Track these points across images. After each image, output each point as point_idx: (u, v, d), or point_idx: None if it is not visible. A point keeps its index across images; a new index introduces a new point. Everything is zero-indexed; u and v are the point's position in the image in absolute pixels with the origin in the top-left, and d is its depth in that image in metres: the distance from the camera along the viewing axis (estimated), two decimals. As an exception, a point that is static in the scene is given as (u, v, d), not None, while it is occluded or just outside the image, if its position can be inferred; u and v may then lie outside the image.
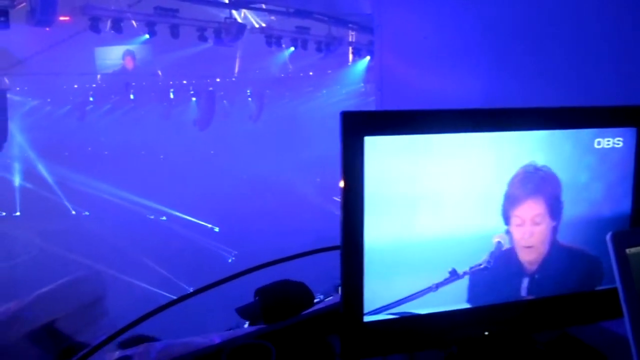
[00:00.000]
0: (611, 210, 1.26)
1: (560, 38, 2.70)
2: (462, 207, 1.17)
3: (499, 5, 3.10)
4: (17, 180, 13.87)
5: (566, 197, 1.22)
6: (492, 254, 1.20)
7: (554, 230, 1.23)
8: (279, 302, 2.27)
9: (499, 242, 1.21)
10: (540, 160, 1.19)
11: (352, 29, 11.88)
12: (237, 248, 13.02)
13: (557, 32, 2.72)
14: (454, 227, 1.17)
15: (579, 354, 1.35)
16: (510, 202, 1.18)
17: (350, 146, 1.08)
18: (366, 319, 1.14)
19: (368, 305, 1.14)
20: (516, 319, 1.25)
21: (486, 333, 1.24)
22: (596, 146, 1.25)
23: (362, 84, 14.77)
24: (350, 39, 12.24)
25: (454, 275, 1.19)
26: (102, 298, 1.22)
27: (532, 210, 1.20)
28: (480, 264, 1.20)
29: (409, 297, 1.17)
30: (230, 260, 13.02)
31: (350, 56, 12.97)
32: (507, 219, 1.19)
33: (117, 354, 1.17)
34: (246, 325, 2.34)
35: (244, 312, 2.37)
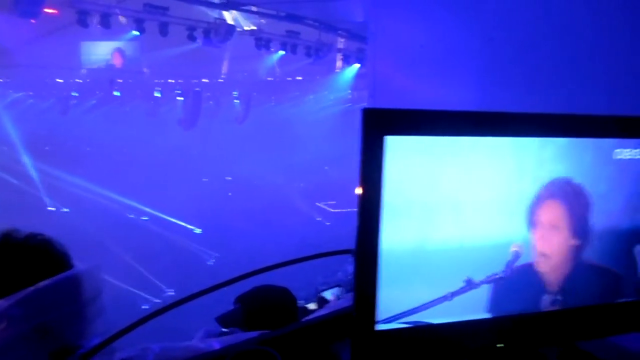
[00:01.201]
0: (631, 222, 1.23)
1: (553, 47, 2.70)
2: (480, 214, 1.13)
3: (494, 13, 3.10)
4: (-6, 174, 13.57)
5: (595, 218, 1.19)
6: (509, 263, 1.16)
7: (578, 249, 1.19)
8: (261, 309, 2.19)
9: (516, 252, 1.17)
10: (578, 178, 1.15)
11: (342, 36, 11.89)
12: (219, 250, 12.90)
13: (550, 41, 2.72)
14: (471, 235, 1.13)
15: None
16: (535, 204, 1.14)
17: (370, 145, 1.03)
18: (378, 327, 1.09)
19: (381, 314, 1.09)
20: (530, 331, 1.21)
21: (499, 345, 1.20)
22: (615, 157, 1.22)
23: (350, 91, 14.80)
24: (339, 46, 12.24)
25: (469, 284, 1.14)
26: (98, 295, 1.15)
27: (551, 212, 1.15)
28: (497, 274, 1.16)
29: (423, 305, 1.12)
30: (210, 263, 12.89)
31: (339, 63, 12.97)
32: (530, 222, 1.15)
33: (115, 357, 1.10)
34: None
35: (224, 320, 2.28)
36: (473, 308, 1.16)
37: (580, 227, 1.19)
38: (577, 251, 1.20)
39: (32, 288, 1.05)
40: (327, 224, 13.93)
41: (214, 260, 12.88)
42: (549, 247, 1.18)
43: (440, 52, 3.64)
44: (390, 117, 1.04)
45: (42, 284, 1.11)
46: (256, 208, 13.78)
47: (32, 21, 8.18)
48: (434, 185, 1.08)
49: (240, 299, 2.27)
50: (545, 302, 1.20)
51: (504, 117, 1.11)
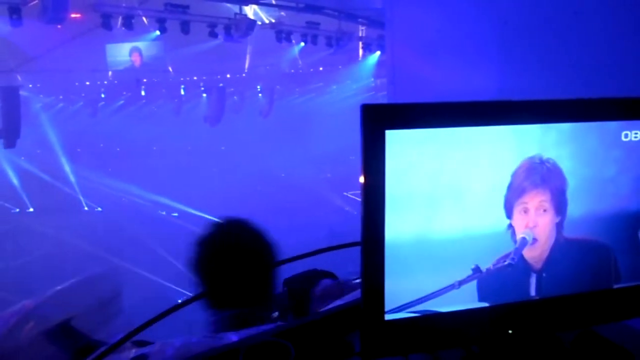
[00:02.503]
0: (638, 204, 1.22)
1: (573, 31, 2.65)
2: (485, 202, 1.14)
3: (508, -2, 3.05)
4: (29, 177, 13.97)
5: (583, 193, 1.18)
6: (516, 250, 1.17)
7: (559, 226, 1.18)
8: (307, 292, 2.24)
9: (523, 239, 1.17)
10: (547, 153, 1.14)
11: (362, 24, 11.82)
12: (249, 244, 13.00)
13: (570, 25, 2.66)
14: (477, 222, 1.14)
15: (605, 353, 1.31)
16: (514, 193, 1.13)
17: (371, 140, 1.05)
18: (387, 317, 1.11)
19: (389, 303, 1.11)
20: (538, 317, 1.22)
21: (510, 331, 1.21)
22: (623, 139, 1.21)
23: (373, 79, 14.71)
24: (360, 34, 12.18)
25: (477, 271, 1.16)
26: (118, 295, 1.20)
27: (538, 197, 1.15)
28: (504, 261, 1.17)
29: (431, 294, 1.14)
30: (241, 256, 13.01)
31: (361, 51, 12.90)
32: (509, 211, 1.15)
33: (134, 352, 1.15)
34: (275, 315, 2.32)
35: (274, 302, 2.34)
36: (475, 296, 1.17)
37: (560, 202, 1.18)
38: (558, 227, 1.18)
39: (53, 290, 1.11)
40: (356, 213, 13.90)
41: (244, 254, 13.00)
42: (537, 232, 1.17)
43: (458, 36, 3.60)
44: (390, 111, 1.06)
45: (66, 284, 1.17)
46: (284, 200, 13.86)
47: (58, 27, 8.38)
48: (436, 175, 1.10)
49: (287, 282, 2.31)
50: (534, 284, 1.20)
51: (503, 106, 1.12)
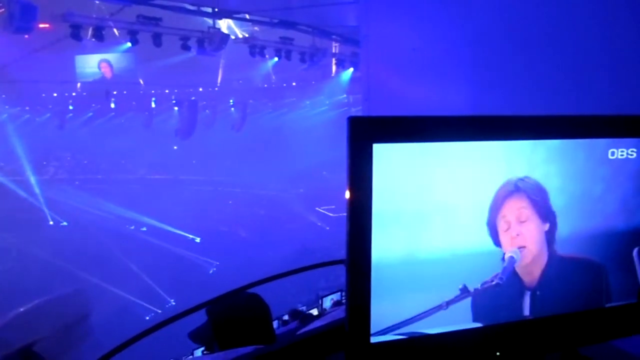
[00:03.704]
0: (626, 222, 1.21)
1: (548, 47, 2.68)
2: (473, 220, 1.10)
3: (487, 16, 3.08)
4: (-8, 190, 13.54)
5: (572, 210, 1.16)
6: (504, 269, 1.14)
7: (549, 237, 1.15)
8: (231, 319, 2.08)
9: (511, 257, 1.14)
10: (535, 171, 1.12)
11: (336, 41, 11.91)
12: (219, 259, 12.88)
13: (545, 42, 2.70)
14: (465, 241, 1.10)
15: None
16: (494, 212, 1.10)
17: (358, 154, 1.01)
18: (373, 339, 1.07)
19: (375, 325, 1.06)
20: (527, 338, 1.19)
21: (498, 353, 1.17)
22: (610, 157, 1.20)
23: (345, 95, 14.83)
24: (333, 50, 12.26)
25: (464, 291, 1.12)
26: (86, 317, 1.12)
27: (515, 204, 1.12)
28: (492, 280, 1.14)
29: (418, 315, 1.09)
30: (211, 272, 12.86)
31: (334, 67, 13.00)
32: (494, 235, 1.11)
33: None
34: (200, 352, 2.24)
35: (197, 336, 2.19)
36: (466, 317, 1.13)
37: (544, 210, 1.15)
38: (549, 236, 1.16)
39: (14, 312, 1.03)
40: (327, 228, 13.91)
41: (214, 269, 12.85)
42: (522, 241, 1.14)
43: (433, 54, 3.62)
44: (378, 124, 1.02)
45: (29, 306, 1.08)
46: (256, 215, 13.78)
47: (26, 37, 8.18)
48: (423, 192, 1.06)
49: (210, 312, 2.14)
50: (528, 303, 1.17)
51: (493, 121, 1.09)
